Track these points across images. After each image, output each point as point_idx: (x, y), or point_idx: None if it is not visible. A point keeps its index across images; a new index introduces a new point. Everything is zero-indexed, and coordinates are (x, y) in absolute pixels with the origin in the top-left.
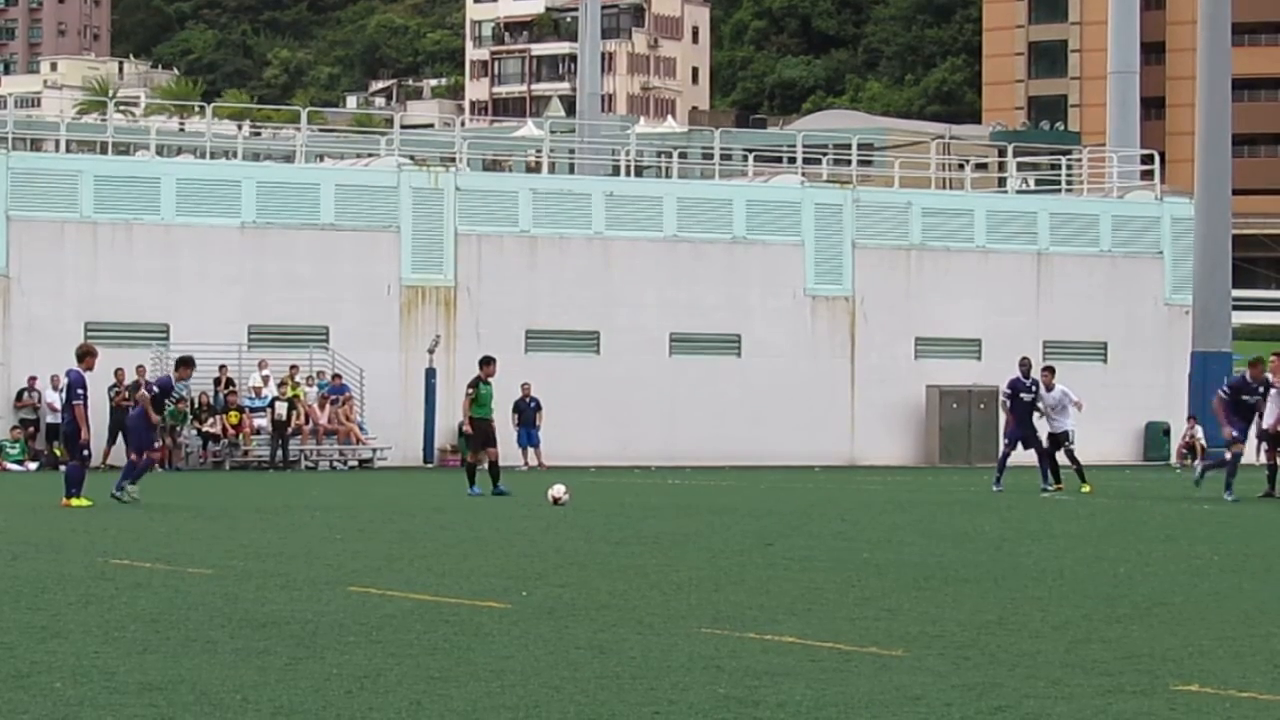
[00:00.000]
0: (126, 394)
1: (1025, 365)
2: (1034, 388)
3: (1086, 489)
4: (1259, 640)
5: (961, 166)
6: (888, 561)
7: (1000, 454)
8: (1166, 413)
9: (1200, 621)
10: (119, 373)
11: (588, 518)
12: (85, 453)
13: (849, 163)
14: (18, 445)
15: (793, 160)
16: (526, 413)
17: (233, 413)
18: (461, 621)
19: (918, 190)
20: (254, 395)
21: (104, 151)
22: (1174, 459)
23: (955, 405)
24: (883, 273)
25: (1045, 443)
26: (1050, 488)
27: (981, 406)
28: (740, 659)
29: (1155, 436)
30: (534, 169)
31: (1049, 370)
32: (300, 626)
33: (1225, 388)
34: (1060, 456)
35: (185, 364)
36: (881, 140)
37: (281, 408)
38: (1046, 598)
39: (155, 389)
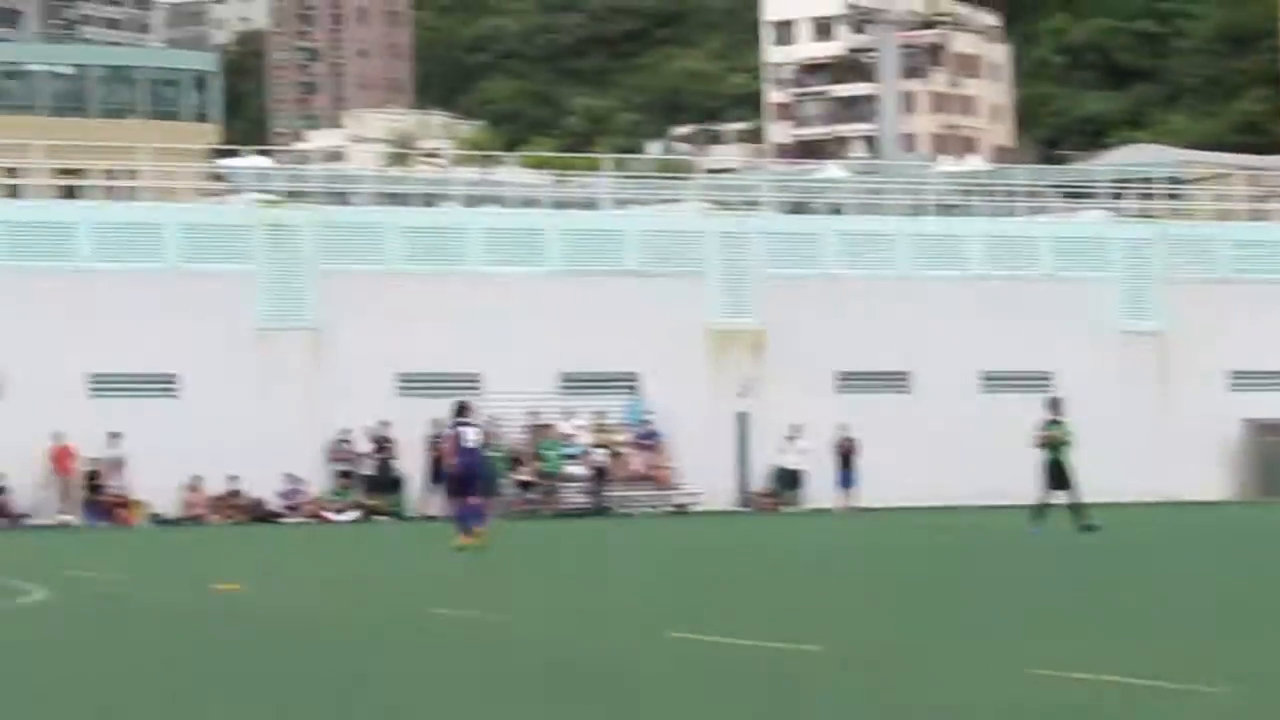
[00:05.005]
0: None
1: None
2: None
3: None
4: None
5: (1269, 198)
6: None
7: None
8: None
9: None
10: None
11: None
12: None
13: (1155, 196)
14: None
15: (1100, 195)
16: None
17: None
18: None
19: (1227, 223)
20: (566, 442)
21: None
22: None
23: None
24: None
25: None
26: None
27: None
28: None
29: None
30: (837, 211)
31: None
32: None
33: None
34: None
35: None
36: (1187, 174)
37: (601, 454)
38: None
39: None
